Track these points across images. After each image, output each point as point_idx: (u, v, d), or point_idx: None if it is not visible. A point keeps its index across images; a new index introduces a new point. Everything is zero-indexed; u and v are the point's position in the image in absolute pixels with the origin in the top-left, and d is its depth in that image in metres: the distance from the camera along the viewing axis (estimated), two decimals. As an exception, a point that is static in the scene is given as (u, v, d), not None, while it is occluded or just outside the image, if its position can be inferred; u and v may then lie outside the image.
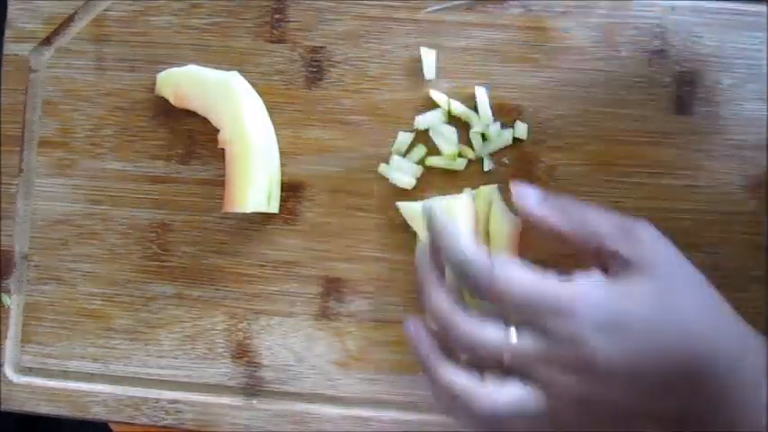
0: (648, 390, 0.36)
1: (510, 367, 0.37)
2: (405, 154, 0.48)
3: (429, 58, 0.47)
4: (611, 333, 0.36)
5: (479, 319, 0.38)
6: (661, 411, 0.37)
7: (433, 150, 0.48)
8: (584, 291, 0.37)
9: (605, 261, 0.39)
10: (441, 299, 0.39)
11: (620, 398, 0.36)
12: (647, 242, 0.38)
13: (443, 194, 0.47)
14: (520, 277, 0.37)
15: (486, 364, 0.38)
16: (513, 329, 0.37)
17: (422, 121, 0.48)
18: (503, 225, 0.46)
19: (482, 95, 0.47)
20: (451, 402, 0.38)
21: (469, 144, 0.48)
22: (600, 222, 0.39)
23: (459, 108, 0.47)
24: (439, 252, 0.40)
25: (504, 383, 0.37)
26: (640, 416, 0.37)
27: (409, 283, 0.48)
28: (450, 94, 0.48)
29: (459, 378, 0.38)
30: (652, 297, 0.37)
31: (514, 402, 0.37)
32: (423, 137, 0.48)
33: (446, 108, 0.47)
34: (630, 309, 0.37)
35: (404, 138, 0.48)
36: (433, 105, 0.48)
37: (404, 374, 0.48)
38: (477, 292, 0.38)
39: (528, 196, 0.40)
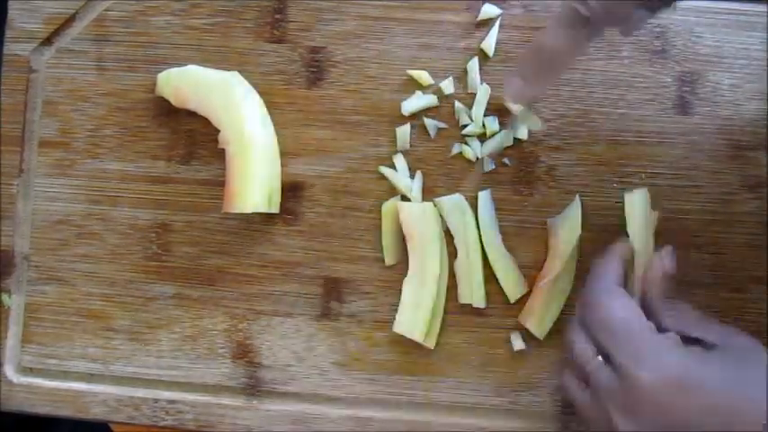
0: None
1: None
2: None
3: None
4: (675, 391, 0.36)
5: (586, 341, 0.40)
6: None
7: (434, 150, 0.48)
8: (667, 342, 0.38)
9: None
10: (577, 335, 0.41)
11: None
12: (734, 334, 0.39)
13: (443, 195, 0.47)
14: (620, 308, 0.39)
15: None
16: (599, 358, 0.39)
17: (408, 106, 0.47)
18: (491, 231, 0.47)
19: (481, 96, 0.47)
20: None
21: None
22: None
23: (458, 105, 0.47)
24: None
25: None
26: None
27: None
28: (452, 95, 0.48)
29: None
30: (725, 368, 0.37)
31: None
32: (423, 136, 0.48)
33: (434, 104, 0.48)
34: (703, 372, 0.37)
35: (403, 130, 0.48)
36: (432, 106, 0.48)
37: (403, 375, 0.48)
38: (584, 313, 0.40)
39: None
